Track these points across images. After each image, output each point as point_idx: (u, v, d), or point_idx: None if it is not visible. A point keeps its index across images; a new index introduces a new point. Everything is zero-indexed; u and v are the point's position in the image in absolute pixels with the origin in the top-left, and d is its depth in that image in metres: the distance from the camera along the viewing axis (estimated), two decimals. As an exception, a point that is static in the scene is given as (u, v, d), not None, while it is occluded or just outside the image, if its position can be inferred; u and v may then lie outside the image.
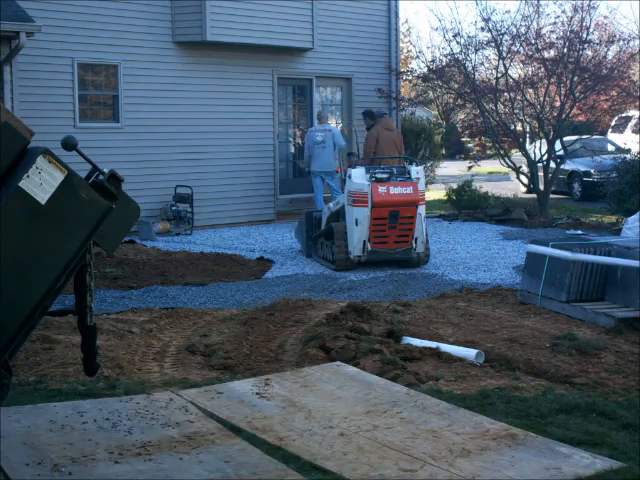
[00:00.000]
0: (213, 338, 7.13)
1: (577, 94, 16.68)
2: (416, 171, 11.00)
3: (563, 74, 16.61)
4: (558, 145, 17.33)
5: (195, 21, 14.56)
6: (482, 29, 17.07)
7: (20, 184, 3.55)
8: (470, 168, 19.34)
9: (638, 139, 21.79)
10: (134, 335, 7.10)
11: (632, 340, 7.07)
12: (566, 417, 5.06)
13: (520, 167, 17.87)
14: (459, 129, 26.82)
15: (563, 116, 16.67)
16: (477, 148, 21.18)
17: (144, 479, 4.13)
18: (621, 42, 17.78)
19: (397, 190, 10.64)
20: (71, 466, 4.25)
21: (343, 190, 11.51)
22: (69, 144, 3.72)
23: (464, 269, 10.85)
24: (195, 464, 4.32)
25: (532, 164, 17.05)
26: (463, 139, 29.49)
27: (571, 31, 16.78)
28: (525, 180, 18.51)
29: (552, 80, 16.69)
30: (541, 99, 17.13)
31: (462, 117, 22.05)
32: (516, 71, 18.26)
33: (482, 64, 18.29)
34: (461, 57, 17.23)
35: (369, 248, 10.73)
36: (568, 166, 19.57)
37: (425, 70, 18.99)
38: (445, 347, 6.61)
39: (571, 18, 16.94)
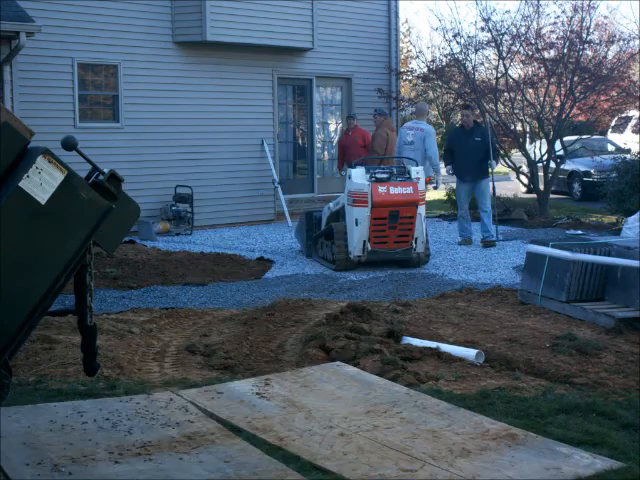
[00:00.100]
0: (213, 338, 7.13)
1: (577, 94, 16.68)
2: (416, 171, 11.00)
3: (563, 74, 16.61)
4: (558, 145, 17.34)
5: (195, 21, 14.57)
6: (482, 29, 17.09)
7: (20, 184, 3.55)
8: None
9: (638, 139, 21.79)
10: (134, 335, 7.10)
11: (632, 340, 7.07)
12: (566, 417, 5.05)
13: (520, 167, 17.88)
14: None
15: (563, 116, 16.67)
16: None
17: (144, 479, 4.13)
18: (621, 42, 17.80)
19: (397, 190, 10.64)
20: (71, 466, 4.25)
21: None
22: (69, 144, 3.72)
23: (464, 269, 10.85)
24: (195, 464, 4.32)
25: (532, 164, 17.06)
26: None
27: (571, 31, 16.78)
28: (525, 180, 18.52)
29: (552, 80, 16.69)
30: (541, 99, 17.13)
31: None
32: (516, 71, 18.29)
33: (482, 64, 18.32)
34: (461, 57, 17.25)
35: (369, 248, 10.72)
36: (568, 166, 19.58)
37: (425, 70, 19.01)
38: (445, 347, 6.61)
39: (571, 18, 16.95)
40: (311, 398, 5.40)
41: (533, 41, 16.92)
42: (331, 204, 11.64)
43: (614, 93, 17.53)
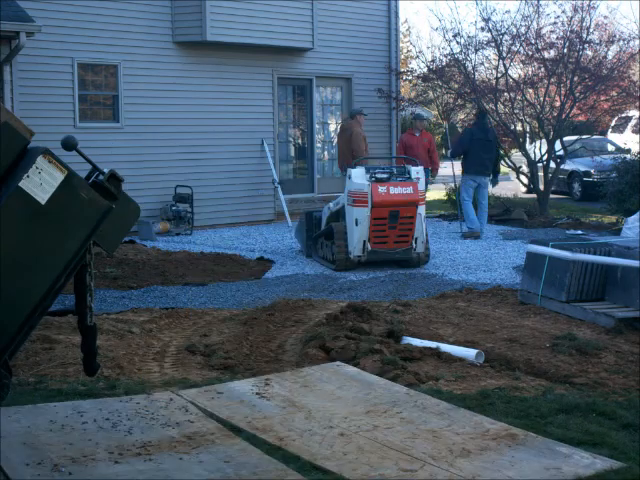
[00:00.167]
0: (213, 338, 7.13)
1: (577, 94, 16.68)
2: (416, 171, 11.00)
3: (563, 74, 16.60)
4: (558, 145, 17.33)
5: (195, 21, 14.57)
6: (482, 29, 17.07)
7: (20, 184, 3.55)
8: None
9: (638, 139, 21.79)
10: (134, 335, 7.10)
11: (632, 340, 7.07)
12: (566, 417, 5.05)
13: (520, 167, 17.88)
14: (459, 129, 26.80)
15: (563, 116, 16.67)
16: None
17: (144, 479, 4.13)
18: (621, 42, 17.78)
19: (397, 190, 10.64)
20: (71, 466, 4.25)
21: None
22: (69, 144, 3.72)
23: (464, 269, 10.85)
24: (195, 464, 4.32)
25: (532, 164, 17.06)
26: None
27: (571, 31, 16.78)
28: (525, 180, 18.52)
29: (552, 80, 16.69)
30: (541, 99, 17.13)
31: (462, 117, 22.02)
32: (516, 71, 18.27)
33: (482, 64, 18.29)
34: (461, 57, 17.23)
35: (369, 248, 10.73)
36: (568, 166, 19.58)
37: (425, 70, 18.98)
38: (445, 347, 6.61)
39: (571, 18, 16.94)
40: (311, 398, 5.40)
41: (533, 41, 16.91)
42: (331, 204, 11.64)
43: (614, 93, 17.53)
